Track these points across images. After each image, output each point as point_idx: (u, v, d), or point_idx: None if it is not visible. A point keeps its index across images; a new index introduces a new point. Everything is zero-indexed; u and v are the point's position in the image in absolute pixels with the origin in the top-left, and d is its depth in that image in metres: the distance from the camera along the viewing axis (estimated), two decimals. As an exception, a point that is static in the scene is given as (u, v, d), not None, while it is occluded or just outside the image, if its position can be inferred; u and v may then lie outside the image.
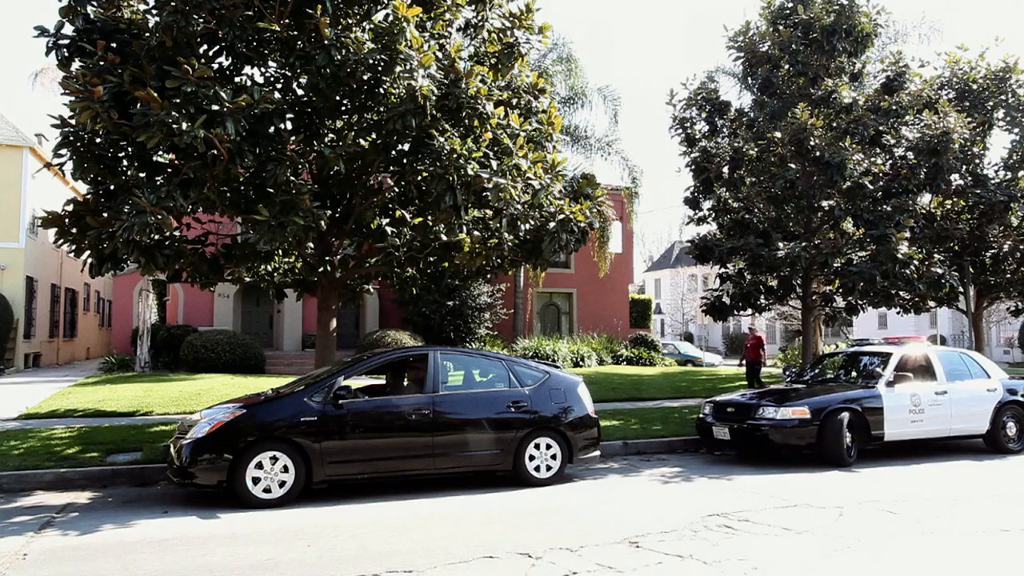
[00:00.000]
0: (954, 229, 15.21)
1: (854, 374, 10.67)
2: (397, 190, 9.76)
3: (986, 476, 8.54)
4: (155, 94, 7.21)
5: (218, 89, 7.43)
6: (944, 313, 36.57)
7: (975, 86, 15.57)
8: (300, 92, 9.50)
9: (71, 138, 8.14)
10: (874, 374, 9.89)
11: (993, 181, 15.39)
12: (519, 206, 8.90)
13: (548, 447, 7.97)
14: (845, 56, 14.99)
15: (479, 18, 10.33)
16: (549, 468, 7.94)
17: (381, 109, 8.76)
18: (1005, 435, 10.17)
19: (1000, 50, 33.18)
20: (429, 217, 9.74)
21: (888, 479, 8.24)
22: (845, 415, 9.03)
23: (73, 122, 7.94)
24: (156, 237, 7.97)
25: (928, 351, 10.32)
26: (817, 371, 11.34)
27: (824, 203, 14.40)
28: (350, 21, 8.97)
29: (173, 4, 7.83)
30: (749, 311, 15.88)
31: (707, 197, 15.66)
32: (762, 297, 15.11)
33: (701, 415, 10.07)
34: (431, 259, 10.59)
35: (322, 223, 8.52)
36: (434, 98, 8.41)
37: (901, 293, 14.84)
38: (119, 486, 7.83)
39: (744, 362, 16.66)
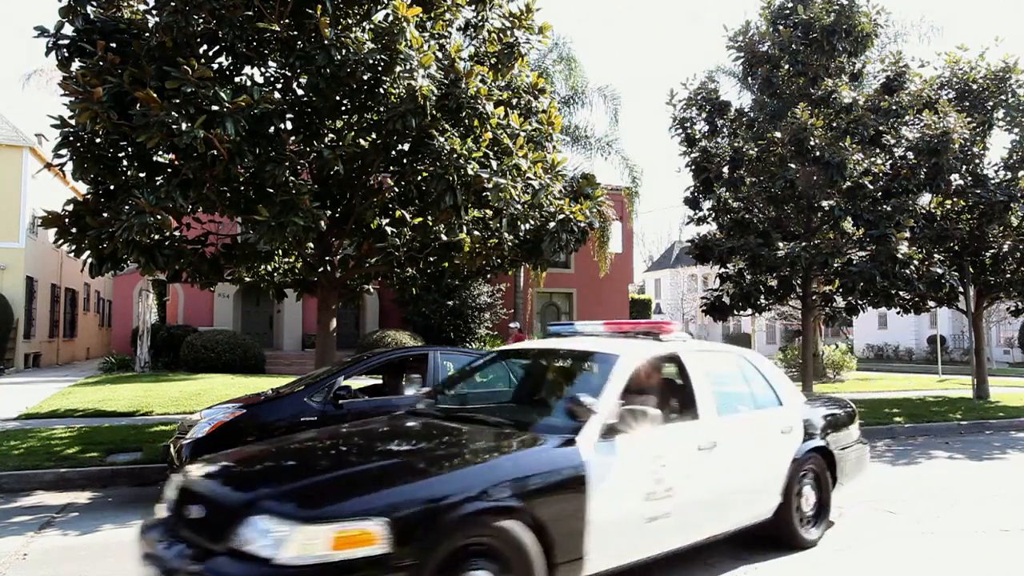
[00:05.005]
0: (954, 229, 15.20)
1: (503, 405, 5.77)
2: (397, 190, 9.75)
3: (986, 476, 8.54)
4: (154, 94, 7.21)
5: (218, 89, 7.43)
6: (944, 313, 36.58)
7: (975, 86, 15.55)
8: (300, 92, 9.50)
9: (71, 138, 8.14)
10: (571, 410, 4.26)
11: (993, 181, 15.36)
12: (519, 206, 8.90)
13: (548, 447, 7.88)
14: (845, 56, 14.98)
15: (479, 18, 10.33)
16: (549, 468, 7.84)
17: (381, 109, 8.76)
18: (800, 513, 5.52)
19: (1000, 50, 33.20)
20: (429, 217, 9.74)
21: (887, 479, 8.23)
22: (488, 541, 3.57)
23: (73, 122, 7.95)
24: (156, 237, 7.97)
25: (685, 353, 5.16)
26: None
27: (824, 203, 14.40)
28: (350, 21, 8.96)
29: (173, 4, 7.82)
30: (749, 311, 15.88)
31: (707, 197, 15.65)
32: (762, 297, 15.10)
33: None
34: (431, 259, 10.59)
35: (322, 223, 8.52)
36: (434, 98, 8.40)
37: (901, 293, 14.84)
38: (119, 486, 7.83)
39: None
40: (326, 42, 7.95)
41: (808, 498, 5.62)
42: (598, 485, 3.99)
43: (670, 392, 5.13)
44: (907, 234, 13.85)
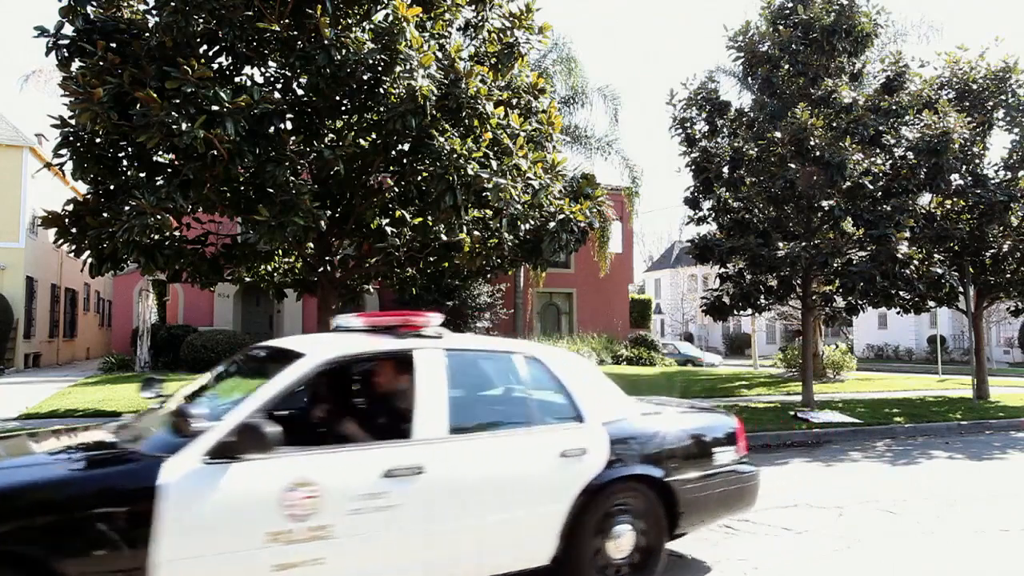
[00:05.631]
0: (954, 229, 15.19)
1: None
2: (397, 190, 9.76)
3: (986, 476, 8.54)
4: (154, 95, 7.22)
5: (218, 89, 7.44)
6: (944, 313, 36.58)
7: (975, 86, 15.55)
8: (300, 92, 9.51)
9: (71, 138, 8.16)
10: (175, 423, 3.46)
11: (993, 181, 15.37)
12: (519, 206, 8.91)
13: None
14: (845, 56, 14.97)
15: (479, 18, 10.34)
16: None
17: (381, 109, 8.77)
18: (600, 560, 4.20)
19: (1000, 50, 33.18)
20: (429, 217, 9.74)
21: (887, 479, 8.23)
22: None
23: (73, 122, 7.96)
24: (156, 237, 7.98)
25: (421, 353, 4.10)
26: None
27: (824, 203, 14.38)
28: (350, 21, 8.97)
29: (173, 4, 7.84)
30: (749, 311, 15.88)
31: (707, 197, 15.65)
32: (762, 297, 15.10)
33: None
34: (431, 259, 10.60)
35: (322, 223, 8.53)
36: (434, 98, 8.41)
37: (901, 293, 14.83)
38: (119, 486, 7.80)
39: None
40: (326, 42, 7.96)
41: (620, 542, 4.24)
42: (178, 519, 3.12)
43: (381, 401, 4.22)
44: (907, 234, 13.84)
